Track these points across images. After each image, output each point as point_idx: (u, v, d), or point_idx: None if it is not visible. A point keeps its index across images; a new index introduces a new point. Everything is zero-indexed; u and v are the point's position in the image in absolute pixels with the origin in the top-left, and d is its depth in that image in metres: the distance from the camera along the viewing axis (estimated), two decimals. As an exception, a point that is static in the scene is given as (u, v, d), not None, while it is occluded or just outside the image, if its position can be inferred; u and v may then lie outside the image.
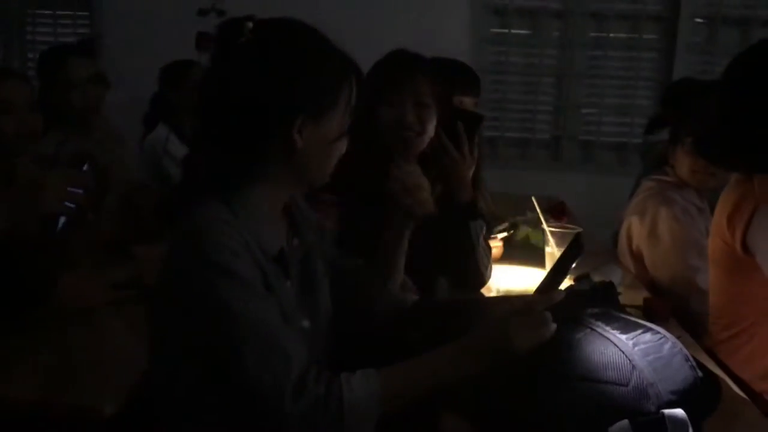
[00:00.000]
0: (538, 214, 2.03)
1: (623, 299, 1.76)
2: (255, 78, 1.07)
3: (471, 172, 1.67)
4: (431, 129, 1.64)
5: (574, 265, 1.17)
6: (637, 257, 2.18)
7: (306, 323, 1.16)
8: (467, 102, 2.11)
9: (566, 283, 1.39)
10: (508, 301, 1.14)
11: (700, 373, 1.04)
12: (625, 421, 0.96)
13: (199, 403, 1.06)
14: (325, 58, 1.10)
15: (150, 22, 3.94)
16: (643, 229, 2.12)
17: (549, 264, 1.88)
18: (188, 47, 3.01)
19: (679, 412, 0.97)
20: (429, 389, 1.06)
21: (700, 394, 1.02)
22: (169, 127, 3.11)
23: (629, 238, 2.21)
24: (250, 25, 1.09)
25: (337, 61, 1.12)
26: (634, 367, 1.01)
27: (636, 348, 1.04)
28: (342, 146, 1.14)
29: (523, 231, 2.35)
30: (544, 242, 1.94)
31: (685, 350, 1.07)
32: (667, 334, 1.09)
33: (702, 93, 2.08)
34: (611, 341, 1.05)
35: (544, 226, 1.95)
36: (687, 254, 2.00)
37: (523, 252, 2.24)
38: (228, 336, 0.99)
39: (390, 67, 1.69)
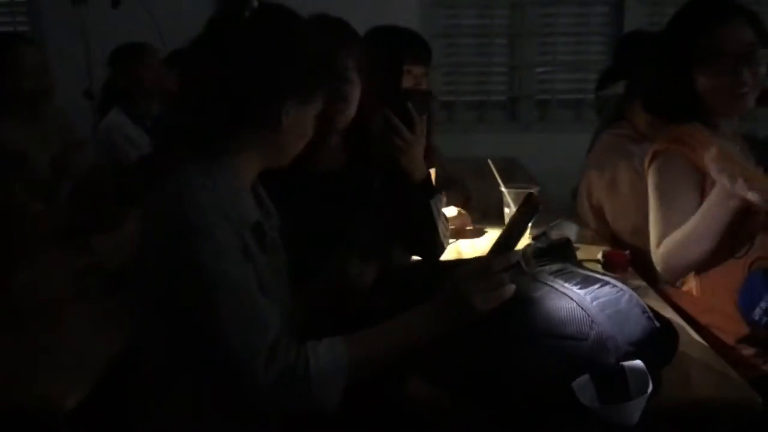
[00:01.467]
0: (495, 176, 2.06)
1: (583, 254, 1.80)
2: (258, 54, 1.09)
3: (422, 149, 1.66)
4: (354, 106, 1.56)
5: (530, 224, 1.18)
6: (597, 211, 2.20)
7: (277, 295, 1.18)
8: (416, 71, 2.08)
9: (524, 242, 1.42)
10: (466, 263, 1.15)
11: (657, 324, 1.06)
12: (586, 376, 0.98)
13: (172, 381, 1.07)
14: (319, 44, 1.14)
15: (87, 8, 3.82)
16: (603, 183, 2.14)
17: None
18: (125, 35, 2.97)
19: (638, 363, 1.00)
20: (394, 355, 1.08)
21: (657, 344, 1.05)
22: (122, 110, 3.08)
23: (589, 193, 2.23)
24: (256, 2, 1.11)
25: (327, 47, 1.16)
26: (593, 321, 1.03)
27: (594, 302, 1.06)
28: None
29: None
30: (503, 203, 1.96)
31: (642, 302, 1.09)
32: (625, 287, 1.12)
33: (651, 46, 2.09)
34: (570, 297, 1.07)
35: (502, 187, 1.97)
36: (646, 205, 2.04)
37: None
38: (207, 299, 1.00)
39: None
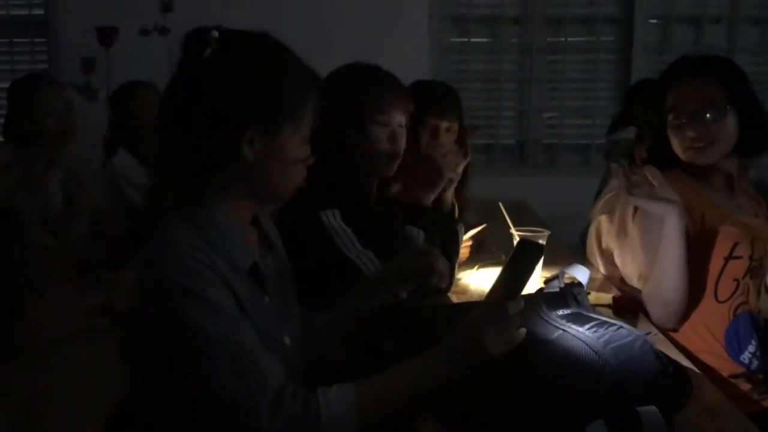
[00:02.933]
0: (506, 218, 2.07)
1: (593, 298, 1.80)
2: (207, 89, 1.06)
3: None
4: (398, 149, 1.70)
5: (537, 268, 1.19)
6: (607, 256, 2.20)
7: (287, 340, 1.17)
8: (443, 126, 2.13)
9: (536, 285, 1.42)
10: (478, 306, 1.15)
11: (671, 369, 1.06)
12: (600, 421, 0.98)
13: (175, 428, 1.05)
14: (282, 71, 1.10)
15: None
16: (612, 227, 2.14)
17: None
18: (139, 68, 3.01)
19: (652, 409, 0.99)
20: (406, 399, 1.06)
21: (671, 389, 1.05)
22: (128, 151, 3.06)
23: (598, 237, 2.23)
24: (216, 34, 1.07)
25: (298, 75, 1.11)
26: (606, 365, 1.03)
27: (608, 347, 1.06)
28: (305, 161, 1.13)
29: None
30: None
31: (655, 346, 1.09)
32: (637, 332, 1.12)
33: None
34: (583, 341, 1.07)
35: (512, 229, 1.98)
36: (656, 250, 2.04)
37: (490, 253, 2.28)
38: (201, 359, 0.98)
39: (376, 85, 1.72)
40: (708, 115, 1.65)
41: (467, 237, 2.20)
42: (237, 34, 1.10)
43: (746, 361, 1.62)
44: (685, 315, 1.66)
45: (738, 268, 1.67)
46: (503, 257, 2.15)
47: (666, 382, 1.04)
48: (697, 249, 1.64)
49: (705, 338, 1.66)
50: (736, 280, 1.68)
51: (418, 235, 1.68)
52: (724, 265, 1.66)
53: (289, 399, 0.98)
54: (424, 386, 1.07)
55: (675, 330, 1.69)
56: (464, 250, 2.16)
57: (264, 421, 0.96)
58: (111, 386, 1.36)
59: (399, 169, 1.72)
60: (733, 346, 1.63)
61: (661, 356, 1.07)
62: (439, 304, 1.63)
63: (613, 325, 1.12)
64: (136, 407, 1.09)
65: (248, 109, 1.06)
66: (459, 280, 2.01)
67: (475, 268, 2.13)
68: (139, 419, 1.09)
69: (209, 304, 0.99)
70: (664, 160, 1.74)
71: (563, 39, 4.31)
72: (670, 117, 1.70)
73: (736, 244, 1.66)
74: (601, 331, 1.09)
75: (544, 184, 4.00)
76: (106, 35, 2.58)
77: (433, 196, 1.77)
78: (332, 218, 1.59)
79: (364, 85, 1.69)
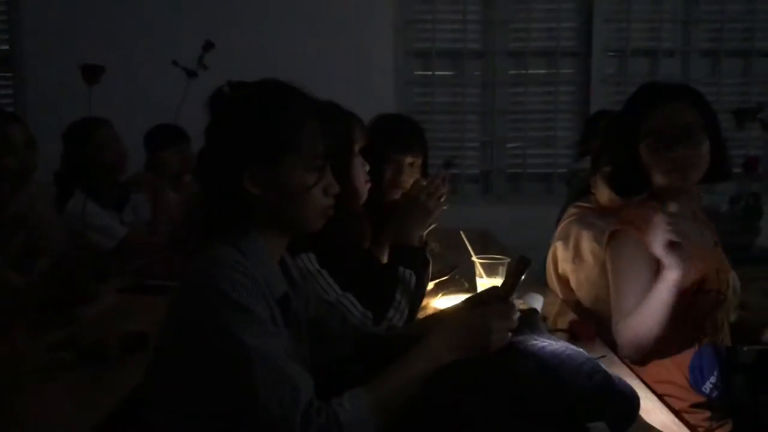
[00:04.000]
0: (468, 248, 2.12)
1: (550, 324, 1.85)
2: (215, 134, 1.19)
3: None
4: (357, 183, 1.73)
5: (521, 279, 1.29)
6: (563, 280, 2.26)
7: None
8: (407, 161, 2.16)
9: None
10: (481, 301, 1.28)
11: (619, 389, 1.11)
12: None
13: None
14: (276, 106, 1.17)
15: (71, 83, 3.92)
16: (567, 253, 2.21)
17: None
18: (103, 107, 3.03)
19: (601, 425, 1.03)
20: (417, 386, 1.12)
21: (619, 407, 1.10)
22: (85, 193, 2.89)
23: (555, 263, 2.29)
24: (227, 89, 1.19)
25: (294, 106, 1.18)
26: (558, 386, 1.07)
27: (561, 367, 1.10)
28: (316, 187, 1.18)
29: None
30: (476, 273, 2.02)
31: (604, 368, 1.13)
32: (588, 355, 1.16)
33: (609, 124, 2.20)
34: (538, 364, 1.11)
35: (473, 257, 2.03)
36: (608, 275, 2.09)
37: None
38: (241, 370, 1.03)
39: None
40: (691, 138, 1.69)
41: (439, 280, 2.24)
42: (243, 84, 1.21)
43: (707, 390, 1.62)
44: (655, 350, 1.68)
45: (706, 301, 1.68)
46: (466, 285, 2.19)
47: (614, 400, 1.08)
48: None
49: (669, 369, 1.68)
50: (704, 313, 1.71)
51: (410, 276, 1.69)
52: (694, 300, 1.68)
53: (315, 412, 1.03)
54: (435, 364, 1.13)
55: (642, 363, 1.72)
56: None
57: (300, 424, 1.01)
58: (74, 423, 1.38)
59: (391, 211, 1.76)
60: (696, 377, 1.62)
61: (609, 376, 1.11)
62: (403, 333, 1.66)
63: (564, 347, 1.16)
64: (155, 419, 1.12)
65: (245, 146, 1.15)
66: (424, 307, 2.05)
67: (440, 295, 2.17)
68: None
69: (254, 317, 1.06)
70: (628, 187, 1.79)
71: (524, 71, 4.43)
72: (649, 140, 1.71)
73: (704, 279, 1.68)
74: (553, 353, 1.13)
75: (508, 213, 4.08)
76: (91, 72, 2.58)
77: (420, 235, 1.78)
78: (308, 262, 1.60)
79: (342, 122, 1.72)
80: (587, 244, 2.13)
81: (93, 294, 2.09)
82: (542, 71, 4.46)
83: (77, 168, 2.98)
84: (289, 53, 4.01)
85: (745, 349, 1.58)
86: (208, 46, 3.22)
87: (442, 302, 2.11)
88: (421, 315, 1.78)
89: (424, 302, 2.04)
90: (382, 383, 1.12)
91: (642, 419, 1.19)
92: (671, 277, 1.57)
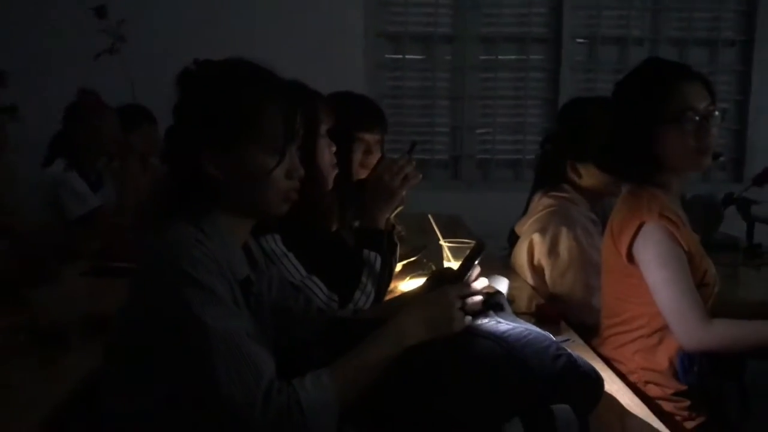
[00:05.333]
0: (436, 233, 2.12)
1: (517, 307, 1.85)
2: (178, 113, 1.16)
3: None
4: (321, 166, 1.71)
5: (476, 261, 1.29)
6: (538, 271, 2.27)
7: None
8: (370, 139, 2.14)
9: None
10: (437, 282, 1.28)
11: (584, 371, 1.11)
12: (516, 419, 1.02)
13: (166, 421, 1.06)
14: (235, 88, 1.15)
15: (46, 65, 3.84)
16: (544, 246, 2.21)
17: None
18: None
19: (565, 407, 1.03)
20: (381, 369, 1.12)
21: (583, 389, 1.10)
22: (67, 161, 3.06)
23: (531, 253, 2.29)
24: (193, 67, 1.17)
25: (254, 88, 1.16)
26: (523, 368, 1.07)
27: (525, 350, 1.10)
28: (277, 171, 1.16)
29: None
30: (444, 257, 2.01)
31: (569, 351, 1.14)
32: (553, 337, 1.17)
33: (597, 110, 2.18)
34: (501, 346, 1.11)
35: (441, 241, 2.02)
36: (585, 274, 2.10)
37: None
38: (202, 349, 1.01)
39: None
40: (714, 119, 1.63)
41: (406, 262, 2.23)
42: (209, 63, 1.18)
43: (691, 379, 1.65)
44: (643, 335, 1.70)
45: (705, 294, 1.65)
46: (433, 268, 2.19)
47: (578, 382, 1.09)
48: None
49: (657, 355, 1.68)
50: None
51: (376, 259, 1.68)
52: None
53: (276, 392, 1.02)
54: (394, 354, 1.13)
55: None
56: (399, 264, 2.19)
57: (257, 414, 1.00)
58: (33, 405, 1.35)
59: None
60: (685, 365, 1.65)
61: (574, 359, 1.11)
62: (369, 316, 1.65)
63: (529, 330, 1.16)
64: (114, 402, 1.10)
65: (204, 127, 1.13)
66: (392, 291, 2.04)
67: (408, 278, 2.17)
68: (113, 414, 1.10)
69: (213, 296, 1.04)
70: (637, 173, 1.71)
71: (494, 57, 4.42)
72: (686, 119, 1.61)
73: (706, 271, 1.68)
74: (518, 335, 1.13)
75: (477, 199, 4.09)
76: None
77: (386, 217, 1.76)
78: (273, 243, 1.58)
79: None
80: (566, 242, 2.14)
81: (50, 276, 2.04)
82: (512, 57, 4.45)
83: (75, 142, 3.07)
84: (257, 34, 3.95)
85: None
86: (101, 12, 3.21)
87: (409, 285, 2.11)
88: (388, 298, 1.78)
89: (391, 285, 2.03)
90: (346, 365, 1.11)
91: (606, 401, 1.19)
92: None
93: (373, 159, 2.09)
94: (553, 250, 2.17)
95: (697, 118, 1.62)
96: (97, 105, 3.09)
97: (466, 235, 2.61)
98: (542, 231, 2.22)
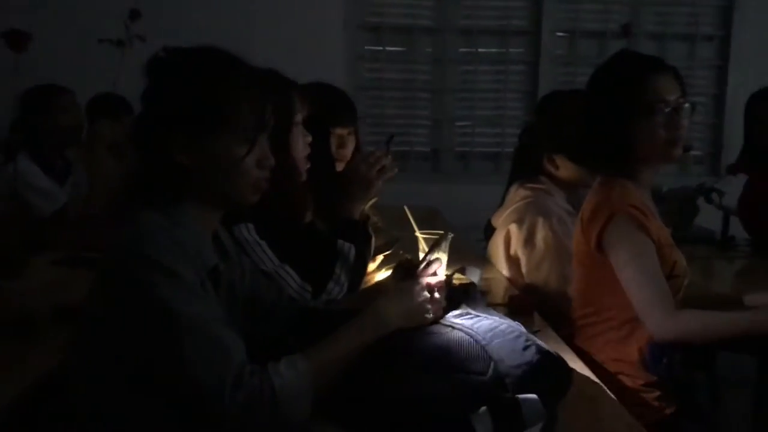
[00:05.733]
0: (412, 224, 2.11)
1: (491, 298, 1.86)
2: (148, 101, 1.15)
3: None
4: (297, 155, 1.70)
5: (435, 251, 1.31)
6: (515, 262, 2.28)
7: None
8: (341, 132, 2.12)
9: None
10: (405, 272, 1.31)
11: (552, 362, 1.12)
12: (484, 408, 1.02)
13: (132, 414, 1.06)
14: (206, 76, 1.14)
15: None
16: (520, 236, 2.22)
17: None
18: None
19: (532, 396, 1.04)
20: (352, 357, 1.13)
21: (552, 379, 1.11)
22: (30, 157, 2.96)
23: (507, 244, 2.30)
24: (162, 54, 1.16)
25: (226, 76, 1.15)
26: (491, 359, 1.08)
27: (494, 341, 1.10)
28: (248, 159, 1.15)
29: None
30: (419, 249, 2.01)
31: (538, 341, 1.15)
32: (521, 327, 1.17)
33: (574, 102, 2.18)
34: (471, 336, 1.11)
35: (417, 233, 2.02)
36: (561, 264, 2.11)
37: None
38: (168, 333, 1.01)
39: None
40: (692, 112, 1.65)
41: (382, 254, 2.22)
42: (179, 50, 1.17)
43: (660, 371, 1.67)
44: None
45: (674, 285, 1.66)
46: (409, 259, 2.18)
47: (547, 373, 1.09)
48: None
49: (624, 348, 1.69)
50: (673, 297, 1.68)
51: (350, 249, 1.67)
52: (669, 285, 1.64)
53: (248, 375, 1.02)
54: (367, 341, 1.15)
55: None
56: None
57: (227, 397, 1.00)
58: (5, 390, 1.33)
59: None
60: (655, 355, 1.66)
61: (542, 350, 1.12)
62: (342, 306, 1.65)
63: (500, 321, 1.17)
64: (82, 390, 1.10)
65: (174, 115, 1.12)
66: (368, 281, 2.04)
67: (384, 269, 2.16)
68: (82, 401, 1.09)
69: (181, 282, 1.04)
70: (614, 162, 1.70)
71: (474, 50, 4.42)
72: (659, 110, 1.62)
73: (675, 262, 1.68)
74: (488, 326, 1.14)
75: (457, 191, 4.09)
76: (18, 39, 2.47)
77: (361, 208, 1.76)
78: (246, 232, 1.58)
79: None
80: (542, 232, 2.15)
81: (16, 269, 2.02)
82: (493, 50, 4.46)
83: (30, 132, 2.97)
84: (236, 23, 3.92)
85: None
86: (135, 15, 3.11)
87: (384, 276, 2.10)
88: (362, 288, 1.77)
89: (367, 277, 2.03)
90: (320, 352, 1.12)
91: (576, 391, 1.20)
92: (753, 319, 1.60)
93: (347, 151, 2.09)
94: (529, 241, 2.19)
95: (668, 109, 1.63)
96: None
97: (444, 227, 2.61)
98: (519, 222, 2.23)
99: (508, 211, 2.31)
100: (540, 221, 2.17)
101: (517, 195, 2.31)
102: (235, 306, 1.28)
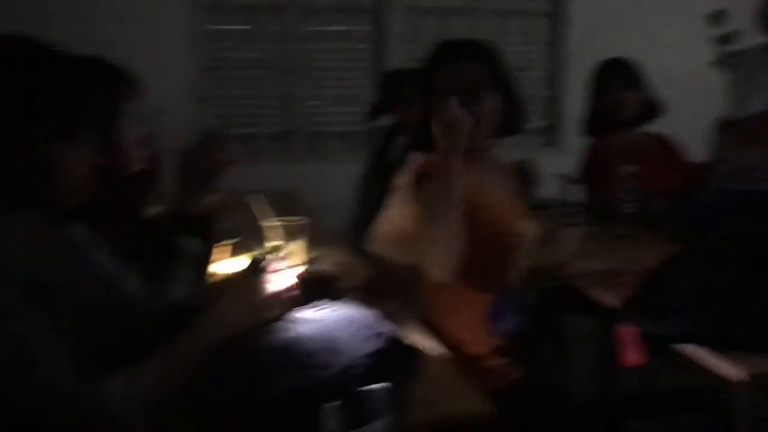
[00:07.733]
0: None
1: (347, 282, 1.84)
2: None
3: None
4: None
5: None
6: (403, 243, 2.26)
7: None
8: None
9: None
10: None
11: (399, 347, 1.13)
12: (335, 402, 1.01)
13: None
14: (12, 71, 1.04)
15: None
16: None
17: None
18: None
19: (381, 386, 1.04)
20: (197, 358, 1.08)
21: (400, 365, 1.11)
22: None
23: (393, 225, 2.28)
24: None
25: (34, 71, 1.06)
26: (337, 351, 1.06)
27: (340, 333, 1.09)
28: (70, 160, 1.07)
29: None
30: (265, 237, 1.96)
31: (388, 327, 1.15)
32: (372, 316, 1.17)
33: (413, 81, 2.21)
34: (316, 331, 1.10)
35: (265, 222, 1.96)
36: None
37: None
38: None
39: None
40: (478, 95, 1.71)
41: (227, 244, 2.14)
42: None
43: (505, 331, 1.72)
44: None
45: (502, 246, 1.73)
46: (256, 249, 2.12)
47: (394, 359, 1.10)
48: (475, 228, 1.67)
49: (468, 314, 1.73)
50: (501, 257, 1.77)
51: (190, 245, 1.57)
52: (491, 244, 1.71)
53: (80, 390, 0.97)
54: (212, 342, 1.10)
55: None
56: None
57: (57, 414, 0.95)
58: None
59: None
60: (498, 317, 1.71)
61: (391, 336, 1.12)
62: (186, 306, 1.58)
63: (348, 313, 1.16)
64: None
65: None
66: (212, 275, 1.96)
67: (235, 257, 2.10)
68: None
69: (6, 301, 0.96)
70: (428, 143, 1.75)
71: (321, 28, 4.37)
72: (439, 96, 1.70)
73: (497, 222, 1.74)
74: (335, 318, 1.13)
75: (310, 172, 4.05)
76: None
77: (201, 201, 1.62)
78: (75, 234, 1.44)
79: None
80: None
81: None
82: (340, 28, 4.43)
83: None
84: (67, 6, 3.63)
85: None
86: None
87: (228, 268, 2.03)
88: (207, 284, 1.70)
89: (212, 269, 1.95)
90: (161, 357, 1.07)
91: (428, 370, 1.21)
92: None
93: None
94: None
95: (447, 96, 1.68)
96: None
97: (298, 211, 2.57)
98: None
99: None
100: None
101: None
102: (62, 314, 1.17)
